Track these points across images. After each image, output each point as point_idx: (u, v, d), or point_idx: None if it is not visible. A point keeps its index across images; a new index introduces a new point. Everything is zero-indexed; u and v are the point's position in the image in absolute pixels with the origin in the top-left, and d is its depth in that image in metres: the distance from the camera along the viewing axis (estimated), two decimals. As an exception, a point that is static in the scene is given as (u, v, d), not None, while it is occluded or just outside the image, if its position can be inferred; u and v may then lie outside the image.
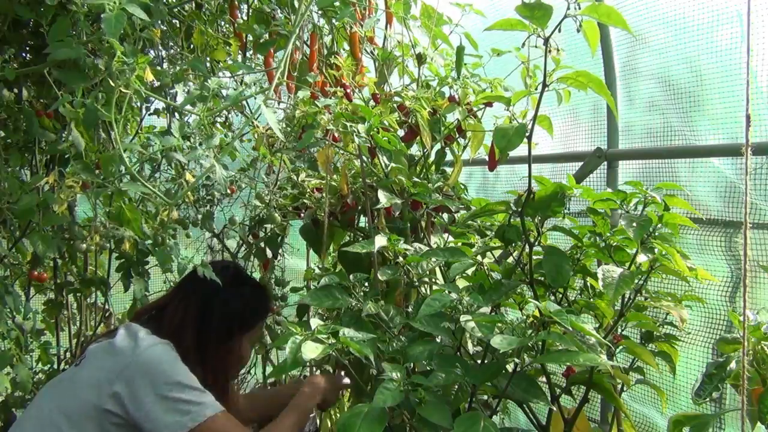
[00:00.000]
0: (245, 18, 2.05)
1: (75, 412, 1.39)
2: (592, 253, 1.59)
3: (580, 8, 1.23)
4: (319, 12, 1.95)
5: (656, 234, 1.44)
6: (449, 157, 1.95)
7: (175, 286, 1.64)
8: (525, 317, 1.28)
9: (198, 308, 1.55)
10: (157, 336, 1.48)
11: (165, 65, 1.92)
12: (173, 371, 1.39)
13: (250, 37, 2.02)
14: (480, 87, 1.82)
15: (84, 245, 1.74)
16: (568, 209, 1.51)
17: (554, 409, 1.51)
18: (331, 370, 1.90)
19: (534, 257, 1.48)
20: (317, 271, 1.93)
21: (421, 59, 1.94)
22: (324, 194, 1.79)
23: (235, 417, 1.44)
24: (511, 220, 1.51)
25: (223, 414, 1.39)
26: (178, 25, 1.99)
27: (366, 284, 1.58)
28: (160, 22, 1.84)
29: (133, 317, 1.63)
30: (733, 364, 1.35)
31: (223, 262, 1.73)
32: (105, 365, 1.41)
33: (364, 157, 1.72)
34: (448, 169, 1.97)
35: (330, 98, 1.67)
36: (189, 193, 1.80)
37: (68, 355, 2.25)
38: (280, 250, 2.11)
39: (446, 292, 1.35)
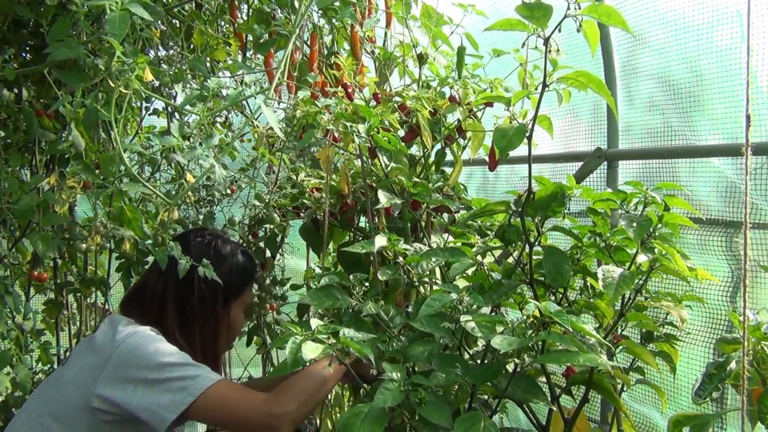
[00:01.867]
0: (245, 18, 2.05)
1: (64, 413, 1.37)
2: (592, 253, 1.59)
3: (580, 8, 1.23)
4: (320, 12, 1.95)
5: (656, 234, 1.44)
6: (449, 157, 1.95)
7: (153, 265, 1.57)
8: (525, 317, 1.28)
9: (176, 283, 1.49)
10: (141, 321, 1.45)
11: (164, 65, 1.92)
12: (157, 353, 1.34)
13: (250, 37, 2.02)
14: (480, 87, 1.82)
15: (84, 245, 1.74)
16: (568, 209, 1.51)
17: (554, 409, 1.51)
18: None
19: (534, 257, 1.48)
20: (317, 270, 1.93)
21: (421, 59, 1.94)
22: (324, 194, 1.79)
23: None
24: (511, 220, 1.51)
25: (223, 382, 1.34)
26: (178, 25, 1.99)
27: (366, 284, 1.58)
28: (159, 22, 1.84)
29: (120, 303, 1.59)
30: (733, 364, 1.35)
31: (199, 230, 1.65)
32: (88, 362, 1.38)
33: (364, 157, 1.72)
34: (448, 169, 1.98)
35: (330, 98, 1.67)
36: (190, 193, 1.80)
37: (68, 355, 2.25)
38: (279, 250, 2.11)
39: (446, 292, 1.35)
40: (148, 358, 1.34)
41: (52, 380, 1.47)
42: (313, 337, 1.23)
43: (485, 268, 1.58)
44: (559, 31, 1.25)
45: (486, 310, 1.38)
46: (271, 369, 2.33)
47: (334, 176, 1.79)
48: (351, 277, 1.55)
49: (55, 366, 2.18)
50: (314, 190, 1.94)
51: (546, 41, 1.26)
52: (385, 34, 2.02)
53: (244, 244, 2.01)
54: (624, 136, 2.18)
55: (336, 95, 1.72)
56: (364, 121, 1.60)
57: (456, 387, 1.50)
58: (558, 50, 1.27)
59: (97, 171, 1.44)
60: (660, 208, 1.44)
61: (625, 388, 1.64)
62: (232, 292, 1.58)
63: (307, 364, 1.36)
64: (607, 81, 2.14)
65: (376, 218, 1.74)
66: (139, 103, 2.10)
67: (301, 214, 1.94)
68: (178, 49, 1.93)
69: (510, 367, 1.38)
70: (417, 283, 1.69)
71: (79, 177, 1.46)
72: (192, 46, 2.02)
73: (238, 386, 1.36)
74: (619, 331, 1.56)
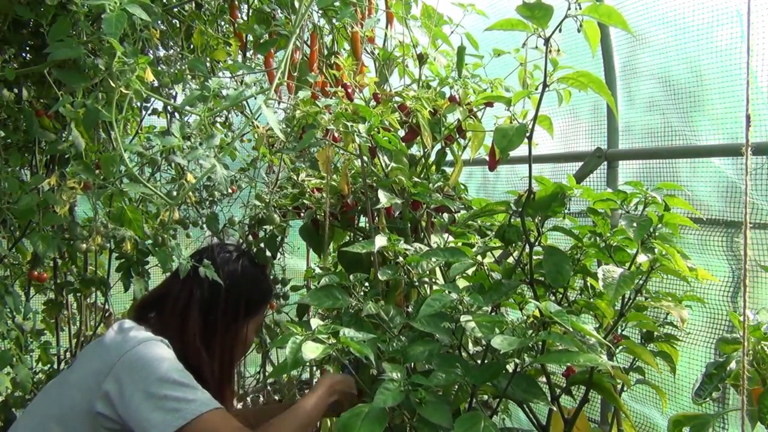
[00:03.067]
0: (245, 18, 2.05)
1: (67, 417, 1.36)
2: (593, 253, 1.59)
3: (580, 8, 1.23)
4: (320, 12, 1.95)
5: (656, 234, 1.44)
6: (449, 157, 1.95)
7: (175, 273, 1.58)
8: (525, 317, 1.28)
9: (204, 293, 1.53)
10: (156, 326, 1.46)
11: (163, 65, 1.92)
12: (162, 367, 1.33)
13: (250, 37, 2.02)
14: (480, 87, 1.82)
15: (84, 245, 1.74)
16: (569, 209, 1.51)
17: (554, 409, 1.51)
18: (331, 371, 1.90)
19: (534, 257, 1.48)
20: (317, 270, 1.93)
21: (421, 59, 1.94)
22: (324, 194, 1.79)
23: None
24: (512, 220, 1.51)
25: (218, 411, 1.32)
26: (178, 25, 1.99)
27: (366, 284, 1.58)
28: (159, 22, 1.84)
29: (134, 308, 1.60)
30: (733, 364, 1.35)
31: (222, 245, 1.70)
32: (94, 366, 1.37)
33: (364, 157, 1.72)
34: (449, 169, 1.97)
35: (330, 98, 1.67)
36: (191, 193, 1.80)
37: (68, 355, 2.25)
38: (280, 250, 2.11)
39: (446, 292, 1.35)
40: (154, 368, 1.33)
41: (56, 383, 1.46)
42: (313, 337, 1.23)
43: (485, 268, 1.58)
44: (560, 31, 1.25)
45: (486, 310, 1.38)
46: (271, 369, 2.33)
47: (334, 176, 1.79)
48: (351, 277, 1.55)
49: (55, 366, 2.18)
50: (315, 190, 1.94)
51: (546, 41, 1.26)
52: (385, 34, 2.02)
53: (245, 244, 2.01)
54: (624, 136, 2.18)
55: (336, 95, 1.72)
56: (364, 121, 1.60)
57: (456, 387, 1.50)
58: (558, 50, 1.28)
59: (97, 171, 1.44)
60: (660, 208, 1.44)
61: (625, 388, 1.65)
62: (252, 310, 1.63)
63: (307, 365, 1.36)
64: (607, 81, 2.14)
65: (376, 218, 1.74)
66: (139, 103, 2.09)
67: (302, 214, 1.94)
68: (178, 49, 1.93)
69: (510, 367, 1.38)
70: (417, 283, 1.69)
71: (79, 177, 1.46)
72: (192, 46, 2.02)
73: (230, 418, 1.34)
74: (619, 331, 1.56)
